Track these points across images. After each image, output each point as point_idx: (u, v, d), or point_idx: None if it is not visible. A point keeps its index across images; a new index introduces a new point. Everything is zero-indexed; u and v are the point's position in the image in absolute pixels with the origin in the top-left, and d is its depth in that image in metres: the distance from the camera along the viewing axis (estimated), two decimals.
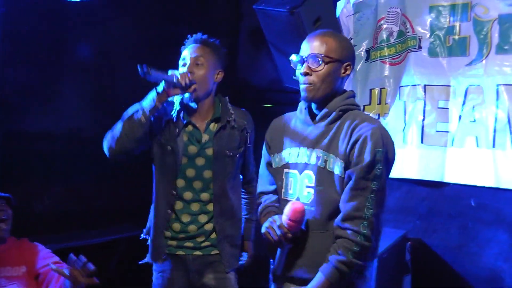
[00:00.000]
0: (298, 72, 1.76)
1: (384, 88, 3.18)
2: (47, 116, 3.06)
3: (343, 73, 1.75)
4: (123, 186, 3.37)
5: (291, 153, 1.83)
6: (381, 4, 3.16)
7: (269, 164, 1.93)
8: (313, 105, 1.80)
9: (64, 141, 3.13)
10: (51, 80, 3.04)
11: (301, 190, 1.77)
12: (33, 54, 2.93)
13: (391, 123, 3.13)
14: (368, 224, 1.60)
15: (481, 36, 2.83)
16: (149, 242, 2.31)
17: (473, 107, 2.87)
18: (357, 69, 3.28)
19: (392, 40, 3.14)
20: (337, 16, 3.22)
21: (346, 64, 1.74)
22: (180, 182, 2.23)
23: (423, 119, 3.03)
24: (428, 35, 3.01)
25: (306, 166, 1.76)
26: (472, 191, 2.91)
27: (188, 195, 2.23)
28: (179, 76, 2.12)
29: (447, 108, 2.97)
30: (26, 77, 2.93)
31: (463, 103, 2.91)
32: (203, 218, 2.23)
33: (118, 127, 2.13)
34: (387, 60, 3.17)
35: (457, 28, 2.91)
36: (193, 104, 2.23)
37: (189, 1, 3.54)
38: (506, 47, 2.76)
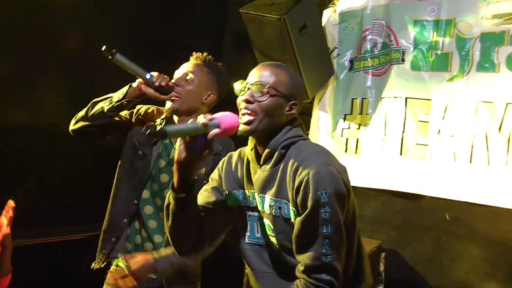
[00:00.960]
0: (238, 99, 1.65)
1: (366, 98, 3.19)
2: (24, 110, 3.02)
3: (287, 110, 1.63)
4: (98, 183, 3.31)
5: (246, 195, 1.74)
6: (366, 15, 3.16)
7: (217, 191, 1.78)
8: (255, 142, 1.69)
9: (41, 136, 3.08)
10: (29, 74, 2.98)
11: (267, 236, 1.69)
12: (12, 47, 2.88)
13: (371, 133, 3.13)
14: (330, 270, 1.51)
15: (463, 53, 2.84)
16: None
17: (452, 122, 2.87)
18: (340, 78, 3.28)
19: (376, 52, 3.15)
20: (322, 24, 3.19)
21: (292, 102, 1.63)
22: (145, 193, 2.19)
23: (403, 131, 3.03)
24: (411, 49, 3.00)
25: (262, 213, 1.68)
26: (447, 205, 2.91)
27: (148, 209, 2.18)
28: (154, 75, 2.05)
29: (427, 122, 2.97)
30: (4, 69, 2.88)
31: (443, 118, 2.91)
32: (158, 239, 2.16)
33: (86, 107, 2.13)
34: (370, 71, 3.17)
35: (440, 43, 2.91)
36: (174, 117, 2.19)
37: (174, 2, 3.51)
38: (486, 65, 2.76)
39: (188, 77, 2.18)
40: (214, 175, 1.84)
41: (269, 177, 1.63)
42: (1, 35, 2.80)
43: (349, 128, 3.27)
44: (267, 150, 1.64)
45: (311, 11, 2.96)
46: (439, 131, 2.92)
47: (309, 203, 1.50)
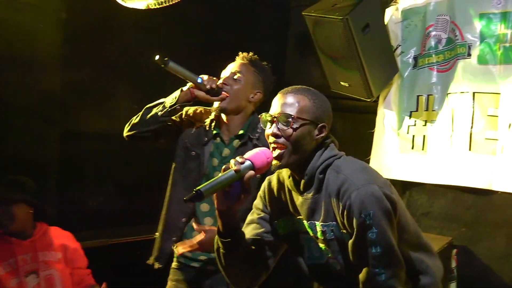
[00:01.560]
0: (266, 132, 1.61)
1: (431, 94, 3.15)
2: (100, 118, 3.16)
3: (317, 135, 1.58)
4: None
5: (294, 221, 1.71)
6: (430, 11, 3.13)
7: (264, 221, 1.76)
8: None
9: (116, 141, 3.05)
10: (105, 84, 3.12)
11: (326, 257, 1.68)
12: (91, 58, 3.01)
13: (438, 129, 3.09)
14: None
15: None
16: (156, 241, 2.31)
17: None
18: (405, 75, 3.26)
19: (440, 47, 3.11)
20: (385, 23, 3.20)
21: (320, 125, 1.59)
22: None
23: (471, 127, 2.96)
24: (478, 43, 2.93)
25: (315, 238, 1.65)
26: None
27: (204, 207, 2.22)
28: (205, 78, 2.09)
29: (497, 116, 2.89)
30: (83, 80, 3.01)
31: None
32: None
33: (140, 113, 2.21)
34: (435, 67, 3.14)
35: (509, 36, 2.83)
36: (223, 116, 2.24)
37: (238, 9, 3.59)
38: None
39: (235, 77, 2.21)
40: (258, 204, 1.80)
41: (313, 205, 1.60)
42: (79, 50, 2.95)
43: (415, 125, 3.24)
44: (305, 178, 1.60)
45: (373, 10, 2.97)
46: (510, 125, 2.84)
47: (356, 227, 1.48)
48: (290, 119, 1.54)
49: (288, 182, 1.68)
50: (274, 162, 1.57)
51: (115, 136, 3.05)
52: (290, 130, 1.54)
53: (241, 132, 2.21)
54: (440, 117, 3.10)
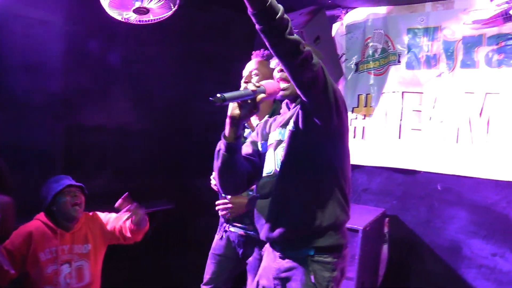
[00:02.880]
0: (275, 71, 1.77)
1: (369, 94, 3.26)
2: (100, 113, 3.11)
3: None
4: (159, 169, 3.39)
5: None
6: (368, 26, 3.24)
7: (253, 143, 1.93)
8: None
9: (114, 133, 3.17)
10: (105, 84, 3.09)
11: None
12: (91, 63, 2.98)
13: (375, 122, 3.22)
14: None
15: (448, 53, 2.89)
16: None
17: (441, 110, 2.93)
18: (348, 78, 3.36)
19: (376, 56, 3.22)
20: (333, 35, 3.30)
21: None
22: None
23: (401, 119, 3.10)
24: (406, 52, 3.08)
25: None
26: (439, 177, 2.96)
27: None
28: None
29: (420, 111, 3.03)
30: (85, 81, 2.97)
31: (433, 107, 2.98)
32: None
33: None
34: (372, 71, 3.24)
35: (430, 46, 2.97)
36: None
37: (214, 21, 3.54)
38: (468, 63, 2.82)
39: (253, 72, 2.23)
40: (253, 134, 1.98)
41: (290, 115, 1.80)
42: (81, 57, 2.92)
43: (356, 118, 3.31)
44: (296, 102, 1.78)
45: (323, 25, 3.06)
46: (430, 118, 3.00)
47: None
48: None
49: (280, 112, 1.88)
50: (281, 92, 1.74)
51: (113, 129, 3.17)
52: None
53: (268, 114, 2.22)
54: (376, 112, 3.23)
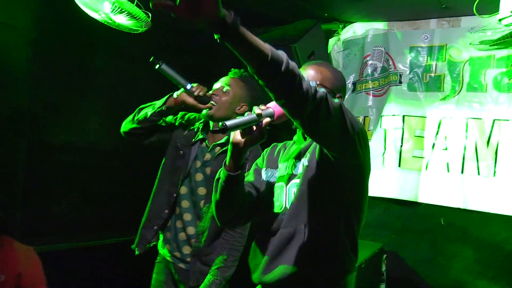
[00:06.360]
0: None
1: (367, 116, 3.23)
2: (69, 131, 3.06)
3: None
4: (133, 194, 3.25)
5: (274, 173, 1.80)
6: (367, 42, 3.22)
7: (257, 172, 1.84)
8: None
9: (84, 153, 3.13)
10: (73, 99, 3.05)
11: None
12: (59, 75, 2.93)
13: (373, 148, 3.09)
14: None
15: (454, 75, 2.90)
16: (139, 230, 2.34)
17: (445, 137, 2.93)
18: (345, 99, 3.26)
19: (376, 75, 3.20)
20: (329, 51, 3.26)
21: (338, 95, 1.69)
22: (183, 189, 2.27)
23: (401, 146, 3.09)
24: (408, 72, 3.09)
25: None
26: (442, 211, 2.94)
27: (185, 203, 2.26)
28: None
29: (423, 137, 3.02)
30: (53, 94, 2.92)
31: (437, 133, 2.96)
32: (191, 230, 2.23)
33: (134, 112, 2.30)
34: (371, 92, 3.22)
35: (434, 67, 3.00)
36: (210, 123, 2.30)
37: (194, 33, 3.54)
38: (475, 86, 2.82)
39: (224, 89, 2.24)
40: (258, 160, 1.86)
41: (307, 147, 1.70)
42: (50, 67, 2.88)
43: None
44: None
45: (318, 40, 3.00)
46: (434, 144, 2.99)
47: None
48: (315, 85, 1.54)
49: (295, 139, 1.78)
50: None
51: (82, 148, 3.11)
52: None
53: (223, 140, 2.23)
54: (375, 136, 3.20)
